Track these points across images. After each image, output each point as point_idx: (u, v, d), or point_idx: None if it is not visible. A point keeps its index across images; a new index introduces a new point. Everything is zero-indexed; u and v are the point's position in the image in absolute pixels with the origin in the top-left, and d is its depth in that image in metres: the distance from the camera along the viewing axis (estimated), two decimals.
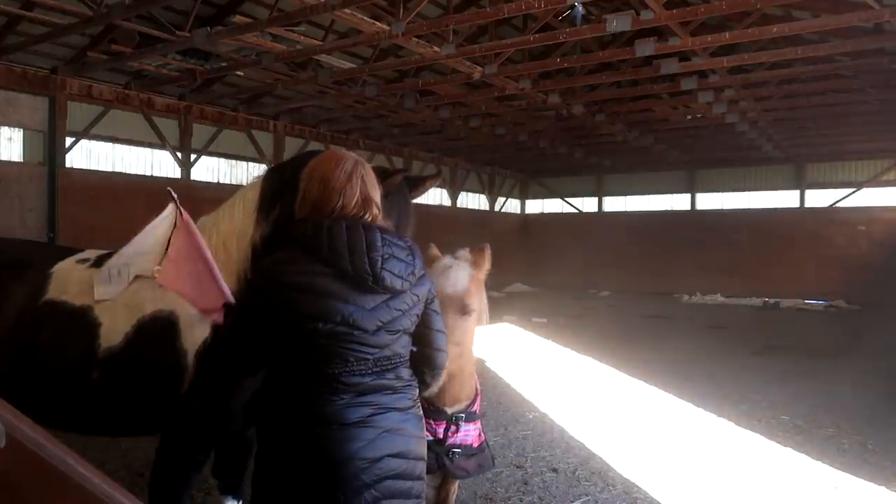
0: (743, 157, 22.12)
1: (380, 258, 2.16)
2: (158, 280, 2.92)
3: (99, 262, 3.23)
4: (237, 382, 2.81)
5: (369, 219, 2.27)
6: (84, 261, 3.27)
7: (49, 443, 0.88)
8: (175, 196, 3.04)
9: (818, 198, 22.53)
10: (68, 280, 3.17)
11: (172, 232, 2.98)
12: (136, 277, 3.03)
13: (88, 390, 3.00)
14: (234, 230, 3.01)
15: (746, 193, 23.81)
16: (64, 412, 3.13)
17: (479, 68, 11.83)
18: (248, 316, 2.29)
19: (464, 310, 2.88)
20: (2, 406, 0.86)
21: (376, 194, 2.34)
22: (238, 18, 10.97)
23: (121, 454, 5.46)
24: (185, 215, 2.97)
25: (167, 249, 2.95)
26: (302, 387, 2.16)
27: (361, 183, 2.29)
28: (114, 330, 2.99)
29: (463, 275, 2.91)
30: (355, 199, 2.25)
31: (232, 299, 2.78)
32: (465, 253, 3.10)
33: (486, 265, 3.04)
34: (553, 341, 12.33)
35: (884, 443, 6.19)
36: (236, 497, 3.45)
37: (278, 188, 2.95)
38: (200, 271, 2.84)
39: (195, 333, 2.91)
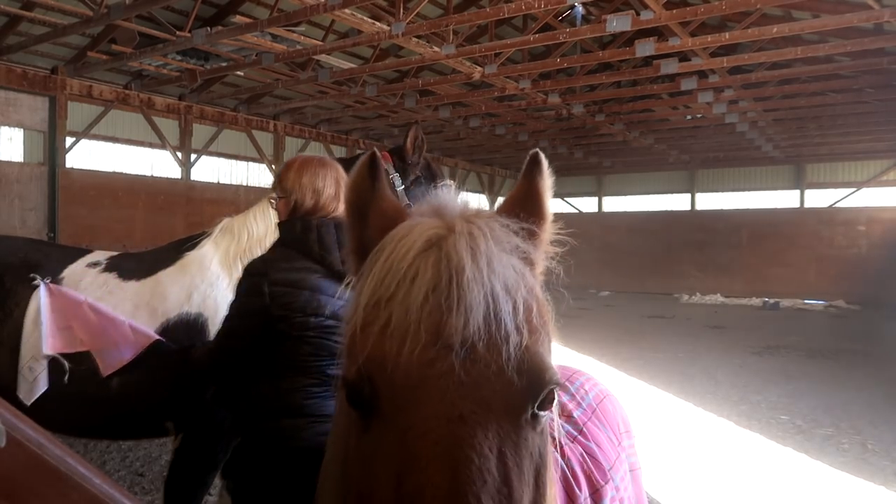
0: (743, 157, 22.12)
1: None
2: (77, 349, 2.85)
3: (110, 266, 3.22)
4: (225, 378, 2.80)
5: None
6: (95, 264, 3.25)
7: (50, 443, 0.87)
8: (38, 278, 2.99)
9: (818, 198, 22.51)
10: (80, 286, 3.14)
11: (51, 306, 2.93)
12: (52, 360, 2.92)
13: (107, 397, 2.97)
14: (270, 231, 3.14)
15: (746, 193, 23.79)
16: (81, 420, 3.10)
17: (479, 68, 11.83)
18: (243, 314, 2.31)
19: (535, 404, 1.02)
20: (2, 405, 0.86)
21: None
22: (238, 18, 10.96)
23: (121, 454, 5.47)
24: (52, 285, 2.96)
25: (55, 323, 2.89)
26: (287, 379, 2.21)
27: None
28: None
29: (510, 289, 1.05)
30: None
31: (149, 334, 2.74)
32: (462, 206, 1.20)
33: (548, 226, 1.21)
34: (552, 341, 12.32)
35: (883, 443, 6.20)
36: None
37: None
38: (99, 320, 2.80)
39: None
